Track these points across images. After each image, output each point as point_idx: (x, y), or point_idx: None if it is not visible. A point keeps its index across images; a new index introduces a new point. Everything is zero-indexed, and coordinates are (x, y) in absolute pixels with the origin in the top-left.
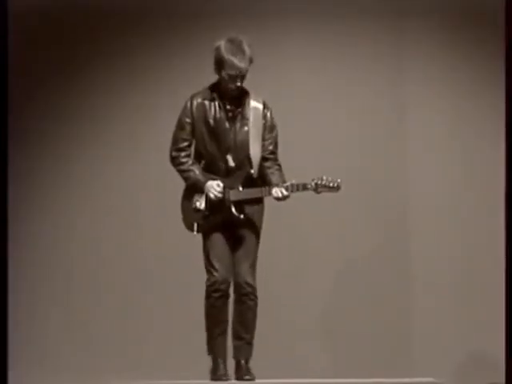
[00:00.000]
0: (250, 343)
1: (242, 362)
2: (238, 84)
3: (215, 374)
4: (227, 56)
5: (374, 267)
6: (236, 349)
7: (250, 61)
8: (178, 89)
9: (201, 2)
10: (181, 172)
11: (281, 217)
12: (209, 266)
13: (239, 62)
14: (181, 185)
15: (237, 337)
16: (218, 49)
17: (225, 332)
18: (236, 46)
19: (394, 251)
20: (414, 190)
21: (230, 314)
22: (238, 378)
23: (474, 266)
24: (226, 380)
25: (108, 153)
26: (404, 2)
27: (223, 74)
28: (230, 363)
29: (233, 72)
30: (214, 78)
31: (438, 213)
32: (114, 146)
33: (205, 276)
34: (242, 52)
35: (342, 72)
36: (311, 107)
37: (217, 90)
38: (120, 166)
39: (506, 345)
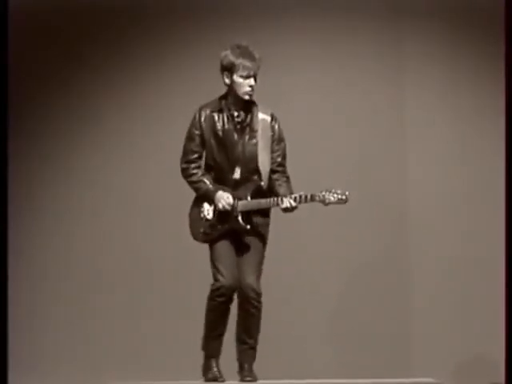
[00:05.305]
0: (253, 348)
1: (246, 365)
2: (253, 83)
3: (207, 374)
4: (237, 59)
5: (374, 268)
6: (240, 353)
7: (260, 61)
8: (178, 88)
9: (201, 1)
10: (191, 183)
11: (285, 223)
12: (215, 272)
13: (250, 63)
14: (181, 184)
15: (241, 341)
16: (226, 56)
17: (222, 335)
18: (243, 50)
19: (393, 251)
20: (414, 191)
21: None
22: (241, 380)
23: (475, 267)
24: (223, 381)
25: (108, 152)
26: (404, 1)
27: (235, 77)
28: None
29: (245, 72)
30: (212, 77)
31: (439, 213)
32: (113, 146)
33: (205, 277)
34: (250, 54)
35: (341, 72)
36: (311, 108)
37: (225, 102)
38: (120, 165)
39: (506, 345)
